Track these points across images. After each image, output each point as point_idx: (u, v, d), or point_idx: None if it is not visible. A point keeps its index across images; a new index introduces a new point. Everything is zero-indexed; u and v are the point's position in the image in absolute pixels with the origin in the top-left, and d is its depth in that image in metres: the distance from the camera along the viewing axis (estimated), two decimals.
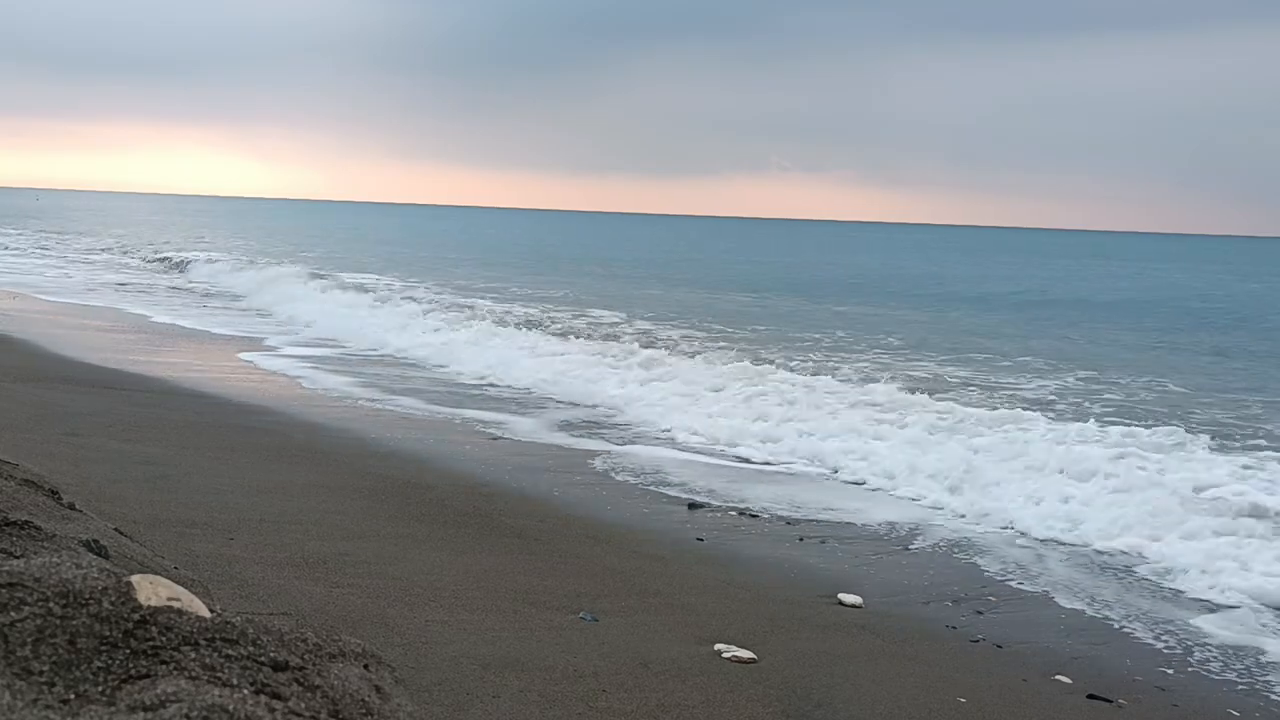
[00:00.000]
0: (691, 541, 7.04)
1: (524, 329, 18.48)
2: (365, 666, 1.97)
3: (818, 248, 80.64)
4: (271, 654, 1.78)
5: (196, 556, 5.30)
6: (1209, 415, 13.19)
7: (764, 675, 4.71)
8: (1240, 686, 5.21)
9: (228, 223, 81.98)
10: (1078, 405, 13.43)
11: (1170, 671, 5.33)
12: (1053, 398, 14.14)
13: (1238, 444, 10.95)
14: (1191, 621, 6.09)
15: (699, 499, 8.12)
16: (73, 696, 1.58)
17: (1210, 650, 5.65)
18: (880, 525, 7.83)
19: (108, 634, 1.70)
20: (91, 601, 1.74)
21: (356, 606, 5.00)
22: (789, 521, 7.73)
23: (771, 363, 15.05)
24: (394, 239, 62.75)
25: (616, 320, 22.00)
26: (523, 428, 10.61)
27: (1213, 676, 5.31)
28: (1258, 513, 7.88)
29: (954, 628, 5.71)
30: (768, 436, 10.51)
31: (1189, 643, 5.74)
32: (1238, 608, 6.29)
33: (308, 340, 17.03)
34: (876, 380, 14.02)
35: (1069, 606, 6.25)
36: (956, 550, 7.31)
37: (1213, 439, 10.55)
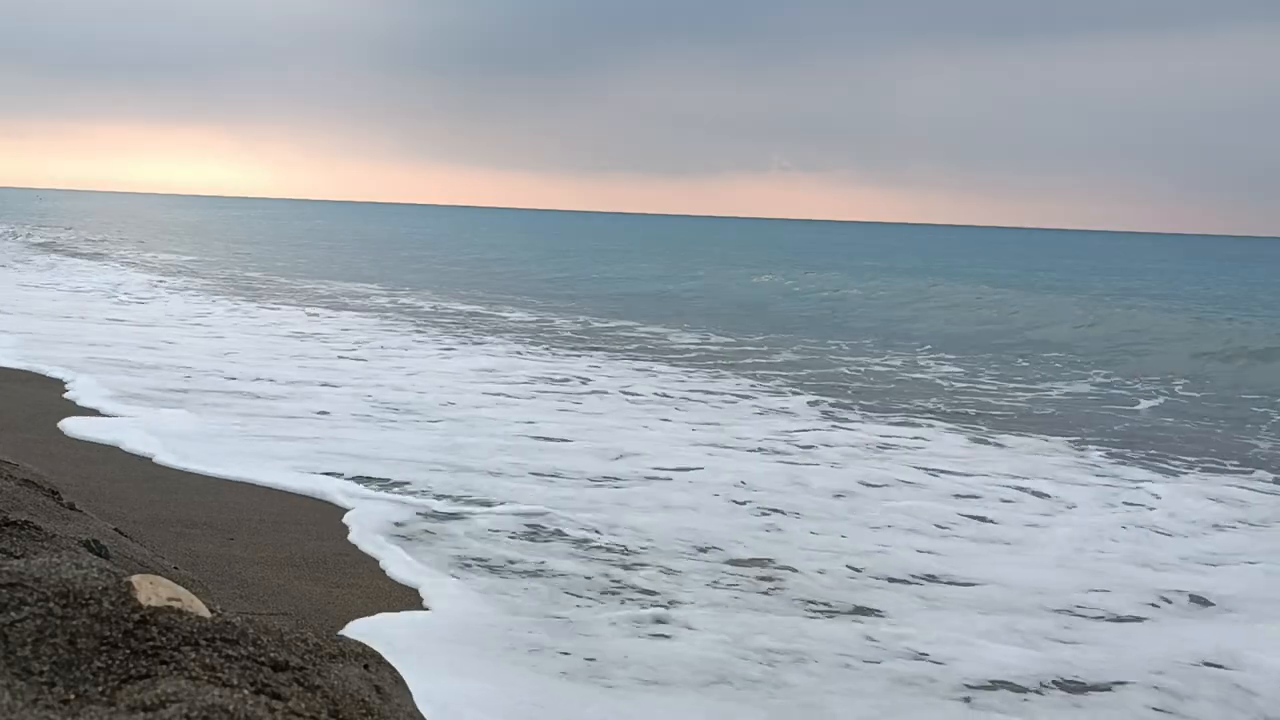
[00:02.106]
0: None
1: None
2: (365, 666, 1.97)
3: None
4: (271, 654, 1.79)
5: (196, 556, 5.30)
6: None
7: None
8: None
9: (214, 221, 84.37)
10: None
11: None
12: None
13: None
14: None
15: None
16: (73, 696, 1.58)
17: None
18: None
19: (108, 634, 1.71)
20: (91, 601, 1.75)
21: (357, 606, 5.00)
22: None
23: None
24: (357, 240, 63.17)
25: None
26: None
27: None
28: None
29: None
30: None
31: None
32: None
33: None
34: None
35: None
36: None
37: None
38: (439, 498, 7.01)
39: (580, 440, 9.11)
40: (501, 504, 6.89)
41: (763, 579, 5.78)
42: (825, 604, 5.44)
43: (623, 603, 5.26)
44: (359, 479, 7.30)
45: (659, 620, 5.03)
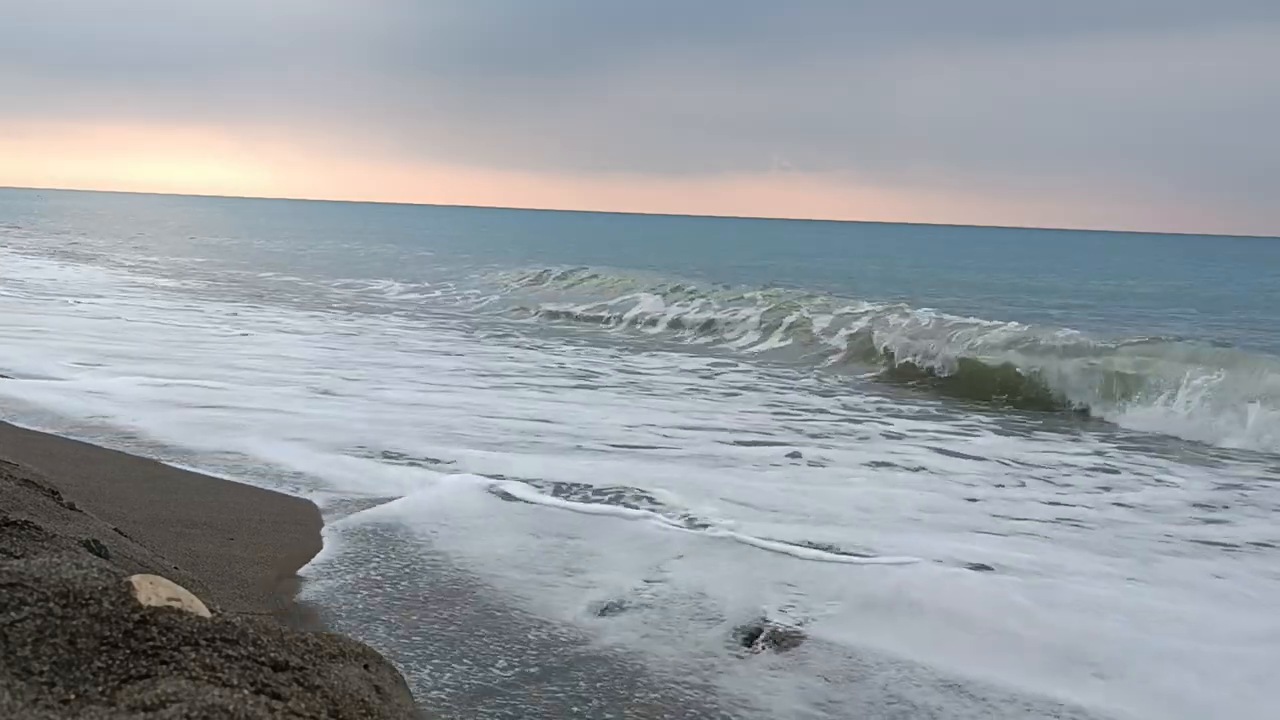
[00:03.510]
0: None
1: None
2: (365, 666, 1.97)
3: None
4: (271, 654, 1.79)
5: (196, 556, 5.30)
6: None
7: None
8: None
9: (206, 219, 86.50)
10: None
11: None
12: None
13: None
14: None
15: None
16: (73, 696, 1.58)
17: None
18: None
19: (108, 634, 1.71)
20: (91, 601, 1.74)
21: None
22: None
23: None
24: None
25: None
26: None
27: None
28: None
29: None
30: None
31: None
32: None
33: None
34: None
35: None
36: None
37: None
38: None
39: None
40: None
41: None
42: None
43: None
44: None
45: None
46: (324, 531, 6.12)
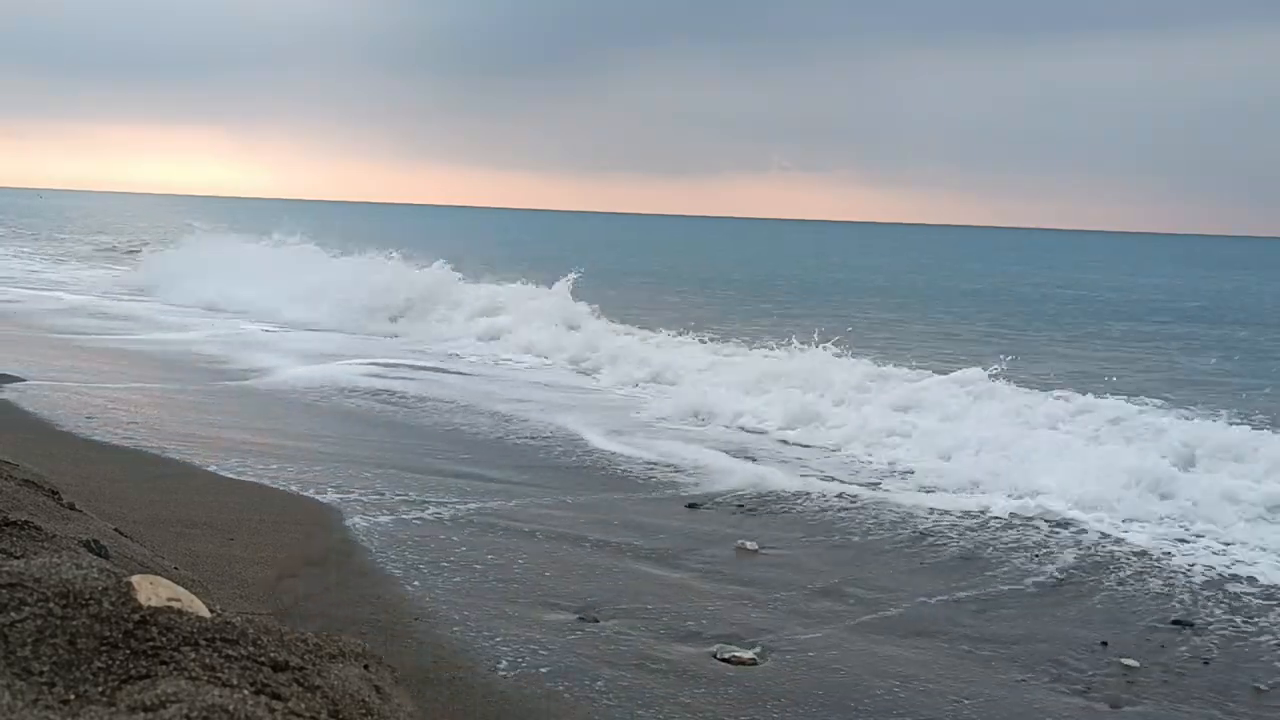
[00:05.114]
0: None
1: None
2: (365, 666, 1.97)
3: None
4: (271, 654, 1.78)
5: (196, 556, 5.30)
6: None
7: (764, 677, 4.71)
8: None
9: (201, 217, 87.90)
10: None
11: None
12: None
13: None
14: None
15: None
16: (73, 697, 1.58)
17: None
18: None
19: (108, 634, 1.70)
20: (91, 602, 1.74)
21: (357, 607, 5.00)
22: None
23: None
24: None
25: None
26: None
27: None
28: None
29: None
30: None
31: None
32: None
33: None
34: None
35: None
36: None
37: None
38: None
39: None
40: None
41: None
42: None
43: None
44: None
45: None
46: None
